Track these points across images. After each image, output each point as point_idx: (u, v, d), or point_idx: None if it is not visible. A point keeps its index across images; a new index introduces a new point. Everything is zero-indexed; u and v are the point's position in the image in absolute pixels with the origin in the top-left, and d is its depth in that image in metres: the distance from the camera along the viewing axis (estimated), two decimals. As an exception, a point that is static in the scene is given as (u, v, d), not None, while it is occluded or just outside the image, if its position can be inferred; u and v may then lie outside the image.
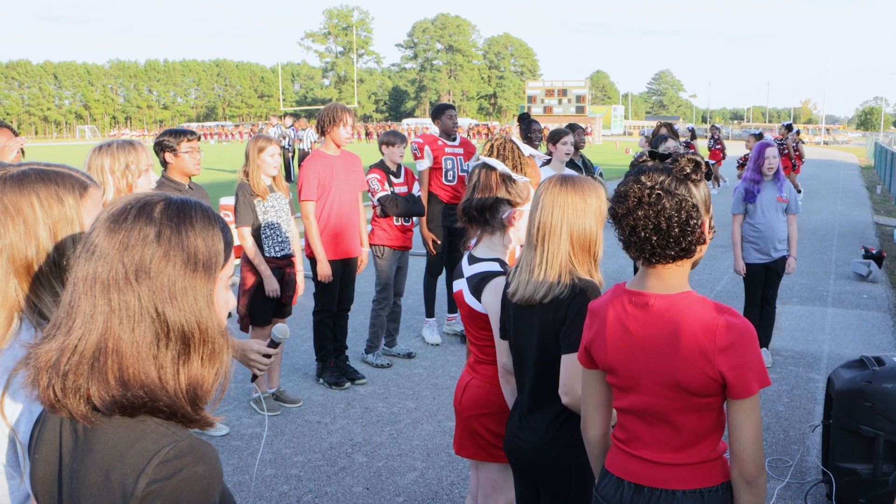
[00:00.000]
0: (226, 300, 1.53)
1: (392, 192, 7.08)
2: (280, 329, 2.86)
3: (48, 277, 1.80)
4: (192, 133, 5.39)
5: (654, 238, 2.15)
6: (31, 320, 1.78)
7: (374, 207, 7.21)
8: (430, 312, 8.11)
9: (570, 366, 2.75)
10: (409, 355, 7.57)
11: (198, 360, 1.45)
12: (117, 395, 1.38)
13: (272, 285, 5.91)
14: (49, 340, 1.42)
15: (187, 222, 1.45)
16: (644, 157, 2.39)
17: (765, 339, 7.38)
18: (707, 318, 2.16)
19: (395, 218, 7.16)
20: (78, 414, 1.40)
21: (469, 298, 3.22)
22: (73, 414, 1.40)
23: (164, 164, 5.31)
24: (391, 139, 7.22)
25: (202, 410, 1.47)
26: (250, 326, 6.09)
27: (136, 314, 1.39)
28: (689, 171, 2.23)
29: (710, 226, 2.32)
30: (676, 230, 2.14)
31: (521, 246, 3.14)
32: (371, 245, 7.17)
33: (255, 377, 3.01)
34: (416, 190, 7.33)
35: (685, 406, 2.22)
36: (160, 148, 5.28)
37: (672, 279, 2.24)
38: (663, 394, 2.23)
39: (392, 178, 7.16)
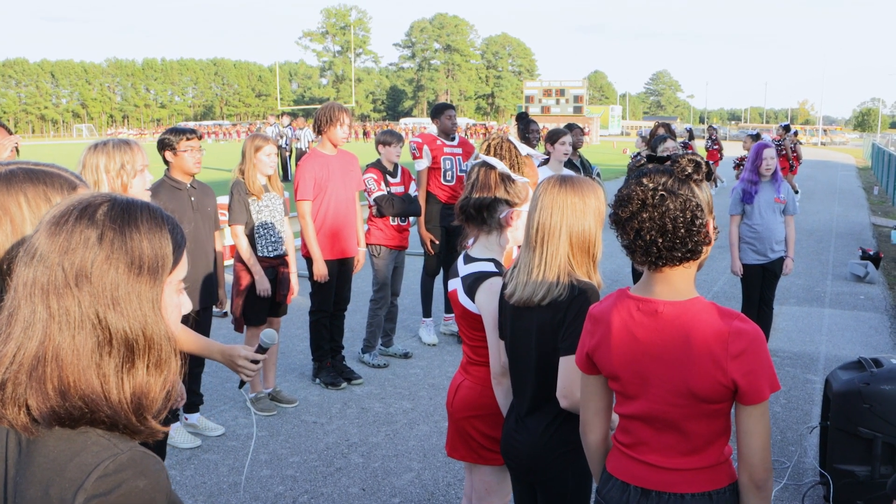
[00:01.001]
0: (177, 304, 1.47)
1: (388, 192, 7.06)
2: (268, 334, 2.82)
3: None
4: (193, 132, 5.36)
5: (660, 240, 2.12)
6: None
7: (370, 207, 7.19)
8: (427, 312, 8.10)
9: (568, 368, 2.73)
10: (406, 355, 7.55)
11: (143, 368, 1.38)
12: (56, 405, 1.32)
13: (263, 285, 5.89)
14: None
15: (132, 224, 1.38)
16: (642, 161, 2.37)
17: (762, 340, 7.35)
18: (718, 326, 2.15)
19: (391, 218, 7.14)
20: (18, 425, 1.34)
21: (463, 298, 3.20)
22: (14, 425, 1.34)
23: (166, 162, 5.30)
24: (388, 139, 7.20)
25: (148, 420, 1.40)
26: (245, 327, 6.07)
27: (76, 321, 1.33)
28: (690, 171, 2.20)
29: (713, 226, 2.29)
30: (682, 231, 2.11)
31: (519, 247, 3.12)
32: (368, 245, 7.15)
33: (242, 383, 2.97)
34: (412, 190, 7.31)
35: (695, 413, 2.20)
36: (162, 146, 5.26)
37: (679, 283, 2.22)
38: (673, 401, 2.21)
39: (388, 177, 7.14)
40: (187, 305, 1.51)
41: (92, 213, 1.37)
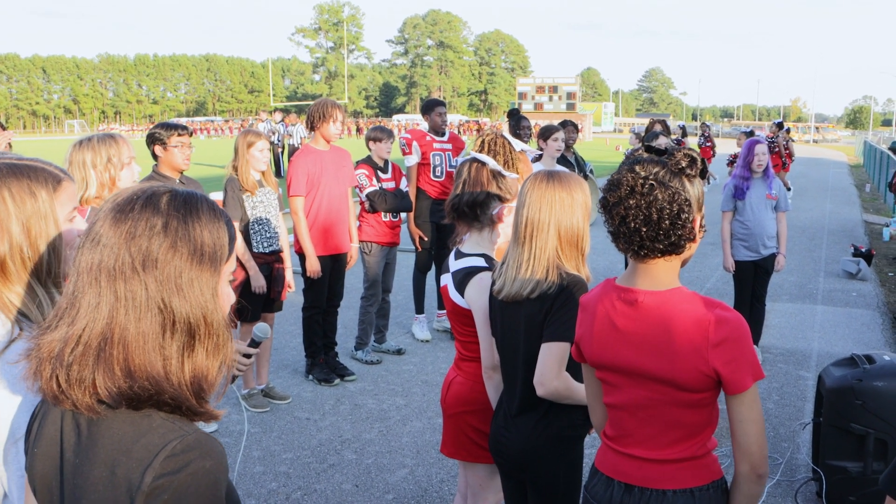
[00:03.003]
0: (228, 294, 1.52)
1: (380, 188, 7.05)
2: (261, 328, 2.81)
3: (21, 273, 1.77)
4: (184, 128, 5.34)
5: (644, 229, 2.11)
6: (7, 316, 1.74)
7: (361, 203, 7.17)
8: (419, 309, 8.09)
9: (547, 355, 2.74)
10: (399, 352, 7.54)
11: (202, 353, 1.44)
12: (123, 386, 1.36)
13: (259, 281, 5.87)
14: (52, 331, 1.40)
15: (194, 214, 1.44)
16: (639, 150, 2.37)
17: (755, 337, 7.37)
18: (698, 314, 2.13)
19: (382, 213, 7.13)
20: (83, 405, 1.38)
21: (453, 294, 3.20)
22: (78, 406, 1.38)
23: (155, 157, 5.27)
24: (378, 135, 7.19)
25: (206, 403, 1.46)
26: (239, 323, 6.05)
27: (142, 304, 1.38)
28: (684, 165, 2.20)
29: (700, 224, 2.28)
30: (667, 222, 2.10)
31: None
32: (359, 241, 7.14)
33: (234, 378, 2.96)
34: (403, 185, 7.30)
35: (677, 402, 2.19)
36: (151, 140, 5.23)
37: (661, 276, 2.21)
38: (655, 390, 2.21)
39: (380, 173, 7.13)
40: (232, 297, 1.55)
41: (156, 201, 1.42)
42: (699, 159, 2.23)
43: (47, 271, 1.81)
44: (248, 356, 2.82)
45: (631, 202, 2.12)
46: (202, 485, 1.36)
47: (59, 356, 1.37)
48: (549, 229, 2.76)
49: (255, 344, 2.82)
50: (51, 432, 1.48)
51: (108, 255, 1.38)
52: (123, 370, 1.36)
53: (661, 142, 8.05)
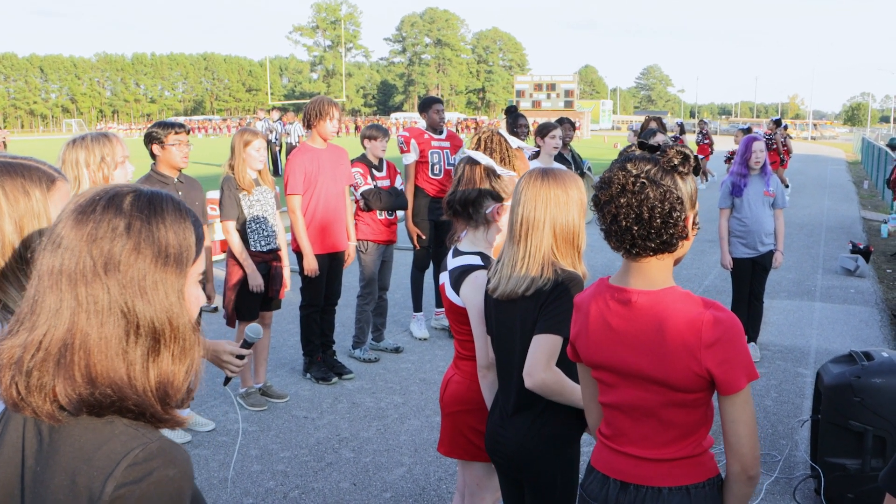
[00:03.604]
0: (196, 296, 1.48)
1: (375, 186, 7.04)
2: (253, 329, 2.79)
3: (14, 272, 1.75)
4: (182, 126, 5.34)
5: (636, 228, 2.09)
6: None
7: (356, 202, 7.16)
8: (417, 307, 8.08)
9: (536, 347, 2.73)
10: (397, 350, 7.53)
11: (168, 357, 1.40)
12: (84, 392, 1.33)
13: (256, 280, 5.86)
14: (12, 336, 1.36)
15: (158, 215, 1.40)
16: (633, 147, 2.35)
17: (753, 334, 7.38)
18: (692, 314, 2.11)
19: (378, 212, 7.12)
20: (43, 413, 1.34)
21: (449, 292, 3.20)
22: (38, 413, 1.34)
23: (153, 156, 5.26)
24: (374, 133, 7.18)
25: (172, 409, 1.42)
26: (237, 322, 6.04)
27: (104, 309, 1.34)
28: (676, 162, 2.16)
29: (694, 222, 2.26)
30: (658, 221, 2.08)
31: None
32: (356, 240, 7.12)
33: (227, 380, 2.94)
34: (398, 183, 7.28)
35: (671, 402, 2.18)
36: (149, 139, 5.22)
37: (655, 274, 2.19)
38: (649, 390, 2.19)
39: (375, 171, 7.12)
40: (202, 298, 1.51)
41: (119, 202, 1.38)
42: (692, 156, 2.20)
43: None
44: (241, 357, 2.80)
45: (622, 200, 2.10)
46: (165, 494, 1.32)
47: (19, 362, 1.34)
48: (545, 227, 2.75)
49: (247, 345, 2.80)
50: (13, 438, 1.44)
51: (69, 259, 1.35)
52: (85, 377, 1.33)
53: (659, 139, 8.04)
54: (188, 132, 5.38)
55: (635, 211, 2.09)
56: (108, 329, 1.34)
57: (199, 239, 1.47)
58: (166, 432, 1.43)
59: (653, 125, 9.95)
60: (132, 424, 1.36)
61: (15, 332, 1.37)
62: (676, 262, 2.25)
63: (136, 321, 1.35)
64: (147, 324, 1.36)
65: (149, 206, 1.40)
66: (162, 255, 1.38)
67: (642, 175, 2.11)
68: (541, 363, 2.71)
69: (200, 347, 1.46)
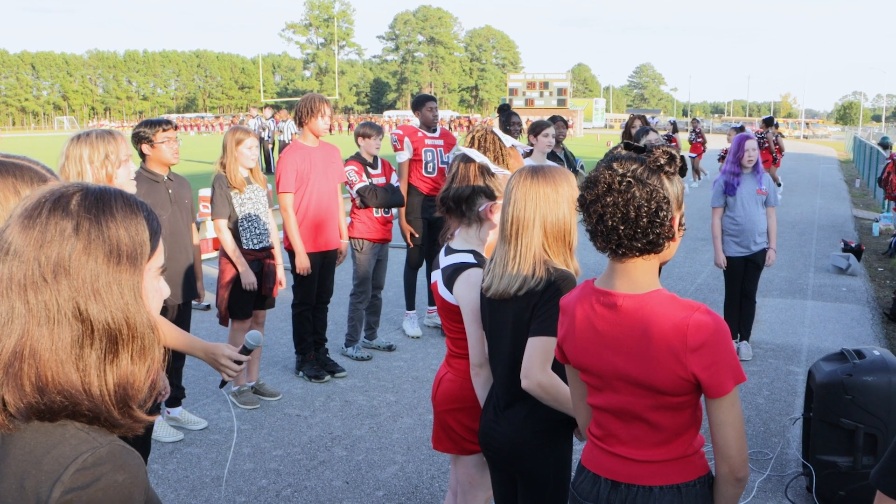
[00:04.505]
0: (157, 290, 1.45)
1: (370, 183, 7.03)
2: (253, 336, 2.79)
3: None
4: (169, 123, 5.33)
5: (622, 227, 2.08)
6: None
7: (352, 200, 7.15)
8: (410, 305, 8.08)
9: (532, 349, 2.73)
10: (390, 348, 7.53)
11: (127, 358, 1.36)
12: (33, 401, 1.30)
13: (249, 278, 5.85)
14: None
15: (107, 212, 1.36)
16: (619, 147, 2.34)
17: (745, 332, 7.39)
18: (677, 318, 2.10)
19: (374, 209, 7.11)
20: None
21: (442, 290, 3.21)
22: None
23: (142, 155, 5.25)
24: (367, 131, 7.17)
25: (133, 411, 1.38)
26: (230, 320, 6.03)
27: (55, 315, 1.30)
28: (662, 162, 2.14)
29: (680, 223, 2.25)
30: (645, 220, 2.07)
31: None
32: (350, 238, 7.11)
33: (223, 383, 2.94)
34: (393, 181, 7.28)
35: (659, 405, 2.17)
36: (137, 139, 5.21)
37: (640, 277, 2.17)
38: (636, 394, 2.19)
39: (369, 169, 7.11)
40: (166, 290, 1.49)
41: (65, 203, 1.34)
42: (678, 156, 2.19)
43: None
44: (238, 362, 2.80)
45: (608, 200, 2.09)
46: (114, 500, 1.29)
47: None
48: (535, 226, 2.75)
49: (246, 351, 2.81)
50: None
51: (17, 266, 1.31)
52: (34, 385, 1.30)
53: (651, 138, 8.05)
54: (175, 128, 5.37)
55: (622, 210, 2.07)
56: (59, 336, 1.31)
57: (155, 232, 1.43)
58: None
59: (637, 124, 9.96)
60: (84, 428, 1.33)
61: None
62: (662, 264, 2.25)
63: (90, 325, 1.32)
64: (102, 326, 1.33)
65: (97, 205, 1.36)
66: (114, 253, 1.34)
67: (629, 174, 2.10)
68: (536, 365, 2.71)
69: (160, 345, 1.42)
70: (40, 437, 1.32)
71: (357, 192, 7.02)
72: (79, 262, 1.31)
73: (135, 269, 1.37)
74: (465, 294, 3.09)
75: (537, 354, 2.71)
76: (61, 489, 1.27)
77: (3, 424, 1.32)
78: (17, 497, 1.30)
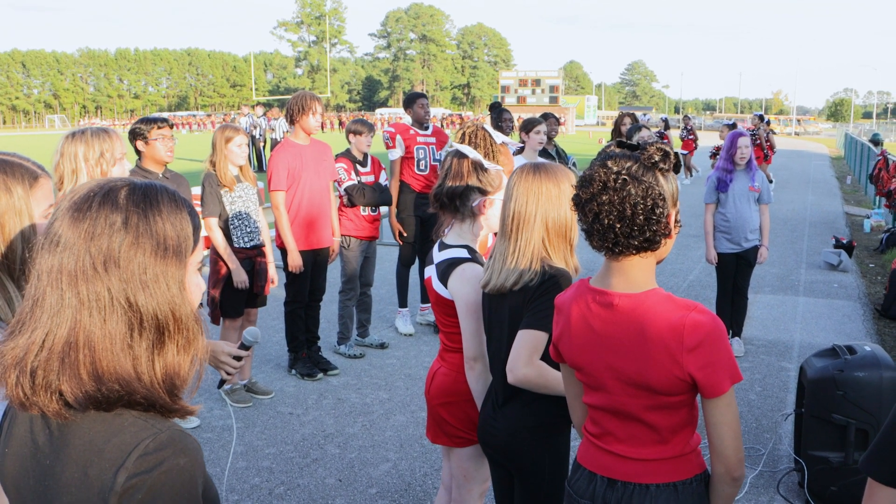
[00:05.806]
0: (197, 284, 1.49)
1: (359, 182, 7.02)
2: (252, 332, 2.78)
3: None
4: (164, 120, 5.33)
5: (618, 225, 2.07)
6: None
7: (340, 197, 7.14)
8: (402, 302, 8.07)
9: (519, 342, 2.73)
10: (382, 346, 7.52)
11: (173, 348, 1.41)
12: (91, 390, 1.33)
13: (240, 276, 5.84)
14: (15, 337, 1.37)
15: (154, 207, 1.40)
16: (611, 145, 2.33)
17: (737, 329, 7.41)
18: (673, 318, 2.09)
19: (361, 208, 7.10)
20: (50, 411, 1.35)
21: (437, 285, 3.21)
22: (45, 411, 1.35)
23: (138, 152, 5.25)
24: (359, 128, 7.15)
25: (180, 399, 1.43)
26: (221, 318, 6.02)
27: (106, 305, 1.34)
28: (657, 159, 2.14)
29: (676, 220, 2.24)
30: (641, 218, 2.06)
31: (495, 234, 3.11)
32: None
33: (222, 383, 2.93)
34: (382, 179, 7.27)
35: (655, 405, 2.17)
36: (133, 136, 5.22)
37: (636, 275, 2.17)
38: (632, 393, 2.18)
39: (359, 167, 7.10)
40: (203, 285, 1.53)
41: (114, 197, 1.39)
42: (672, 153, 2.18)
43: (21, 268, 1.79)
44: (237, 359, 2.79)
45: (604, 198, 2.08)
46: (177, 483, 1.33)
47: (23, 363, 1.34)
48: (536, 222, 2.76)
49: (244, 348, 2.80)
50: (21, 432, 1.45)
51: (68, 258, 1.35)
52: (91, 374, 1.34)
53: (644, 135, 8.06)
54: (171, 126, 5.36)
55: (617, 208, 2.06)
56: (111, 325, 1.35)
57: (197, 228, 1.47)
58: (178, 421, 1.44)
59: (627, 121, 9.97)
60: (141, 416, 1.37)
61: (17, 331, 1.37)
62: (658, 262, 2.24)
63: (139, 315, 1.36)
64: (150, 317, 1.37)
65: (144, 199, 1.40)
66: (161, 247, 1.39)
67: (624, 172, 2.09)
68: (522, 359, 2.71)
69: (204, 336, 1.47)
70: (99, 427, 1.35)
71: (345, 190, 7.01)
72: (128, 254, 1.36)
73: (180, 262, 1.42)
74: (460, 288, 3.09)
75: (524, 348, 2.71)
76: (125, 475, 1.31)
77: (59, 414, 1.35)
78: (81, 485, 1.34)
